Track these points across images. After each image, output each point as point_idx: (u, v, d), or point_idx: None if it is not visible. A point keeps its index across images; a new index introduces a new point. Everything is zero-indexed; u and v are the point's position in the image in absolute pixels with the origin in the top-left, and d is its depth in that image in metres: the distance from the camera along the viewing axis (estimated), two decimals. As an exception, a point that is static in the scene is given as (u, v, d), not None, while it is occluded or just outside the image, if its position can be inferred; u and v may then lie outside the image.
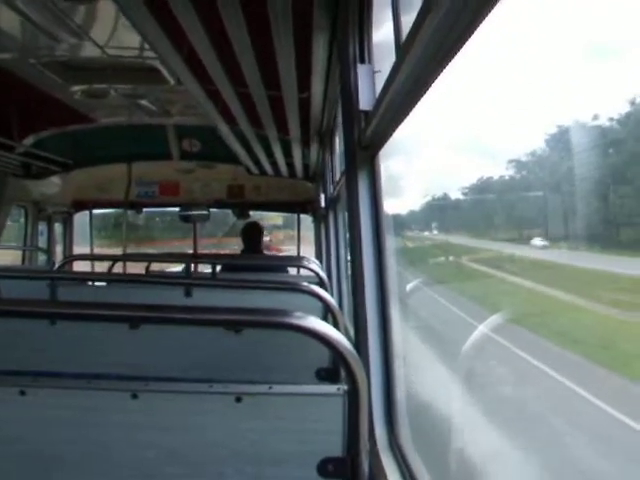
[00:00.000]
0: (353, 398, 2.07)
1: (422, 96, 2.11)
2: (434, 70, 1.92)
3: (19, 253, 8.75)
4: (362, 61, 3.14)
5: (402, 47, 2.14)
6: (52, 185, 8.76)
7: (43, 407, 2.14)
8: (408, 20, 1.96)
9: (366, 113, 2.97)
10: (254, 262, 6.72)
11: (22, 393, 2.13)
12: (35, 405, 2.14)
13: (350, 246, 3.35)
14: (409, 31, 1.94)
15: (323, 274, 4.97)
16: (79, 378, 2.22)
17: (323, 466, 2.14)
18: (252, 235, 8.12)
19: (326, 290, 4.08)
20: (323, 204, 8.25)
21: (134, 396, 2.14)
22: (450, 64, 1.76)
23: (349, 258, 6.65)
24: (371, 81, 3.03)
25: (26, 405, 2.14)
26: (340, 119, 5.27)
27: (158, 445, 2.15)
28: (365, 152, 3.04)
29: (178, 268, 7.30)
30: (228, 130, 6.59)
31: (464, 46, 1.61)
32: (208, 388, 2.17)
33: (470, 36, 1.55)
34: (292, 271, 7.46)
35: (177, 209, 10.08)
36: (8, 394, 2.13)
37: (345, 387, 2.11)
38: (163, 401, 2.17)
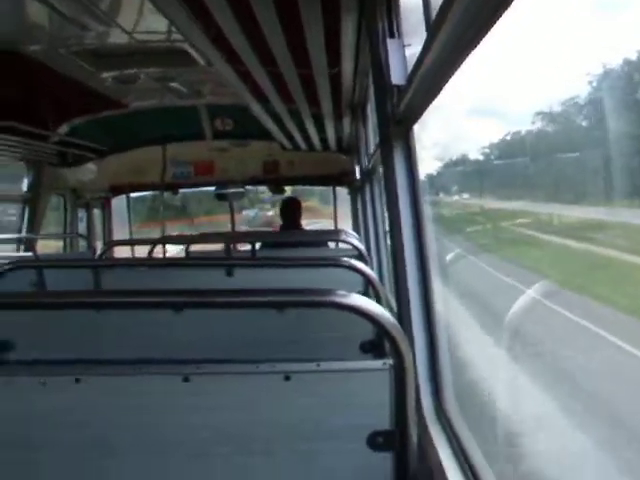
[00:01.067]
0: (399, 372, 2.09)
1: (455, 71, 2.11)
2: (466, 47, 1.92)
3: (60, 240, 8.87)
4: (392, 36, 3.13)
5: (433, 24, 2.14)
6: (88, 172, 8.84)
7: (98, 394, 2.19)
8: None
9: (398, 87, 2.96)
10: (292, 239, 6.74)
11: (77, 381, 2.18)
12: (90, 392, 2.19)
13: (389, 219, 3.36)
14: (439, 8, 1.94)
15: (362, 247, 4.98)
16: (131, 364, 2.26)
17: (373, 439, 2.17)
18: (290, 210, 8.14)
19: (366, 263, 4.09)
20: (358, 176, 8.24)
21: (185, 379, 2.18)
22: (482, 41, 1.76)
23: (387, 229, 6.67)
24: (402, 56, 3.02)
25: (81, 392, 2.19)
26: (371, 92, 5.26)
27: (210, 426, 2.19)
28: (399, 126, 3.04)
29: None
30: (260, 108, 6.59)
31: (496, 24, 1.61)
32: (256, 368, 2.20)
33: (502, 13, 1.55)
34: (331, 245, 7.49)
35: (213, 188, 10.13)
36: (64, 382, 2.18)
37: (391, 361, 2.13)
38: (213, 383, 2.21)
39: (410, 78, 2.66)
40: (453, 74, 2.13)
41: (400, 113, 2.94)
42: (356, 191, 9.19)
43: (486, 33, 1.71)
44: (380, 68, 3.15)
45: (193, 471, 2.20)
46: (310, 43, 4.29)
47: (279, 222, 8.29)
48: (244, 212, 16.76)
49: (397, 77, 2.96)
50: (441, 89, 2.33)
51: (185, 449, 2.20)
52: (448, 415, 2.84)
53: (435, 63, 2.21)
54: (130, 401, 2.20)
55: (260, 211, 18.59)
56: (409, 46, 3.05)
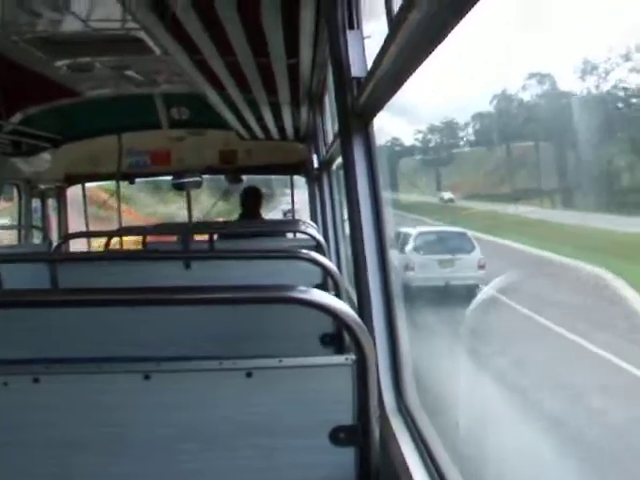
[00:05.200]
0: (361, 366, 2.09)
1: (418, 66, 2.10)
2: (429, 43, 1.91)
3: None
4: (351, 27, 3.11)
5: (395, 19, 2.12)
6: (43, 161, 8.71)
7: (56, 393, 2.16)
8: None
9: (358, 80, 2.95)
10: (250, 229, 6.71)
11: (35, 380, 2.15)
12: (49, 391, 2.16)
13: (349, 211, 3.35)
14: (401, 4, 1.92)
15: (320, 238, 4.97)
16: (90, 362, 2.23)
17: (335, 434, 2.17)
18: (251, 200, 8.10)
19: (324, 254, 4.08)
20: (316, 165, 8.23)
21: (146, 377, 2.16)
22: (445, 39, 1.75)
23: (345, 217, 6.68)
24: (361, 48, 3.01)
25: (40, 392, 2.16)
26: (330, 82, 5.24)
27: (173, 423, 2.17)
28: (359, 119, 3.03)
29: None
30: (217, 96, 6.54)
31: (460, 21, 1.60)
32: (218, 365, 2.19)
33: (465, 14, 1.54)
34: (289, 235, 7.48)
35: (169, 178, 10.05)
36: (22, 382, 2.15)
37: (353, 357, 2.13)
38: (174, 380, 2.19)
39: (371, 71, 2.65)
40: (415, 69, 2.12)
41: (360, 106, 2.93)
42: (314, 181, 9.17)
43: (451, 29, 1.70)
44: (339, 60, 3.13)
45: (156, 468, 2.18)
46: (268, 32, 4.25)
47: None
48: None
49: (357, 70, 2.95)
50: (402, 83, 2.32)
51: (148, 446, 2.18)
52: (408, 407, 2.85)
53: (397, 58, 2.20)
54: (91, 399, 2.17)
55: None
56: (369, 38, 3.03)
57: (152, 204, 32.54)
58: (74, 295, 2.21)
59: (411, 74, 2.19)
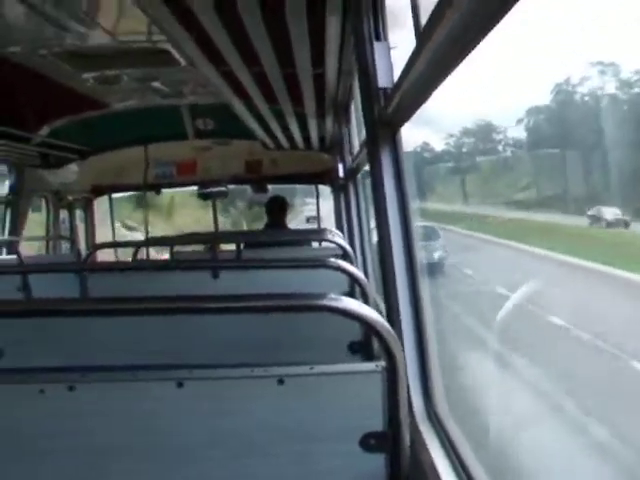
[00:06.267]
0: (391, 373, 2.10)
1: (445, 77, 2.12)
2: (455, 56, 1.93)
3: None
4: (377, 38, 3.13)
5: (422, 32, 2.14)
6: (70, 173, 8.79)
7: (91, 401, 2.19)
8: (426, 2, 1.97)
9: (385, 90, 2.97)
10: (276, 238, 6.74)
11: (71, 389, 2.18)
12: (84, 399, 2.19)
13: (377, 219, 3.36)
14: (429, 18, 1.94)
15: (347, 246, 4.99)
16: (124, 370, 2.26)
17: (365, 441, 2.19)
18: (276, 209, 8.12)
19: (351, 262, 4.10)
20: (341, 175, 8.24)
21: (179, 384, 2.18)
22: (472, 52, 1.76)
23: (372, 226, 6.68)
24: (388, 59, 3.03)
25: (75, 400, 2.19)
26: (356, 92, 5.25)
27: (205, 430, 2.20)
28: (386, 128, 3.04)
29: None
30: (242, 107, 6.57)
31: (488, 33, 1.61)
32: (250, 372, 2.21)
33: (492, 27, 1.55)
34: (315, 244, 7.50)
35: (196, 188, 10.10)
36: (57, 390, 2.18)
37: (383, 364, 2.14)
38: (207, 388, 2.22)
39: (399, 82, 2.67)
40: (443, 80, 2.14)
41: (388, 115, 2.94)
42: (339, 190, 9.18)
43: (479, 42, 1.71)
44: (366, 70, 3.15)
45: (189, 476, 2.21)
46: (294, 43, 4.28)
47: None
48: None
49: (384, 80, 2.97)
50: (430, 94, 2.34)
51: (181, 454, 2.20)
52: (438, 414, 2.86)
53: (425, 69, 2.21)
54: (124, 407, 2.20)
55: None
56: (395, 48, 3.05)
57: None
58: (105, 304, 2.24)
59: (439, 84, 2.21)
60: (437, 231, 15.41)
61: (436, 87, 2.24)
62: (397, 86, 2.70)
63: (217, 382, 2.23)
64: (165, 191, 10.70)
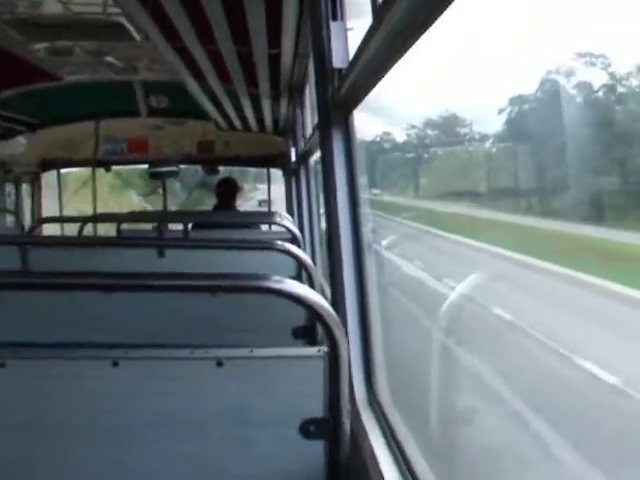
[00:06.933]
0: (333, 359, 2.08)
1: (399, 57, 2.09)
2: (412, 34, 1.89)
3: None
4: (334, 18, 3.09)
5: (379, 9, 2.10)
6: (18, 145, 8.63)
7: (24, 378, 2.13)
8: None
9: (340, 71, 2.93)
10: (225, 220, 6.68)
11: (2, 365, 2.12)
12: (15, 376, 2.13)
13: (325, 204, 3.33)
14: None
15: (296, 230, 4.96)
16: (59, 347, 2.21)
17: (305, 427, 2.17)
18: (226, 191, 8.06)
19: (299, 247, 4.07)
20: (294, 159, 8.20)
21: (115, 364, 2.14)
22: (429, 30, 1.73)
23: (322, 212, 6.66)
24: (344, 39, 2.98)
25: (6, 377, 2.12)
26: (311, 74, 5.21)
27: (141, 411, 2.15)
28: (339, 110, 3.00)
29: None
30: (196, 85, 6.50)
31: (443, 13, 1.58)
32: (189, 354, 2.17)
33: (449, 3, 1.51)
34: (265, 227, 7.47)
35: (146, 166, 9.99)
36: None
37: (325, 349, 2.12)
38: (143, 368, 2.17)
39: (353, 62, 2.63)
40: (397, 60, 2.11)
41: (341, 97, 2.90)
42: (291, 174, 9.15)
43: (434, 21, 1.68)
44: (322, 51, 3.10)
45: (123, 456, 2.16)
46: (251, 21, 4.22)
47: None
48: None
49: (339, 61, 2.92)
50: (384, 74, 2.31)
51: (115, 434, 2.16)
52: (380, 401, 2.84)
53: (380, 48, 2.18)
54: (58, 385, 2.14)
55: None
56: (352, 30, 3.01)
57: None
58: (43, 278, 2.18)
59: (393, 64, 2.17)
60: (368, 215, 16.20)
61: (390, 67, 2.20)
62: (351, 66, 2.67)
63: (153, 362, 2.19)
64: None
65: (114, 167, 10.67)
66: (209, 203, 9.27)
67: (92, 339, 2.84)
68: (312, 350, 2.20)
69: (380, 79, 2.38)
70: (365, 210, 3.15)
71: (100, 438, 2.16)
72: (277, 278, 2.03)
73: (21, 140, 8.61)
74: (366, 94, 2.64)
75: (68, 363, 2.16)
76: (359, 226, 3.09)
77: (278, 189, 10.58)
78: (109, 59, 6.40)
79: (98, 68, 6.76)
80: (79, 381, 2.14)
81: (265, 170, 10.58)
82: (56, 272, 2.15)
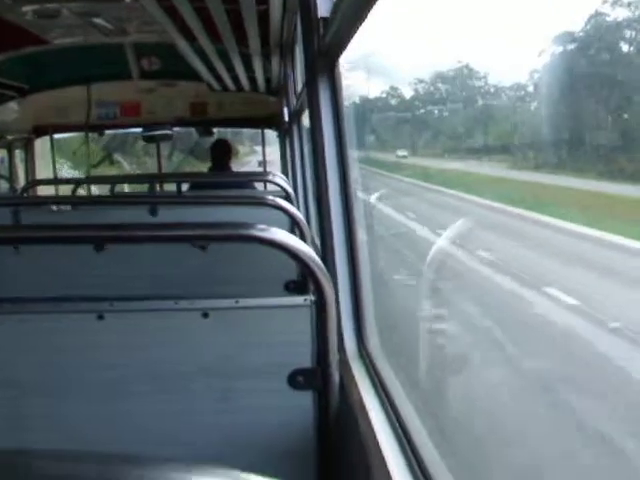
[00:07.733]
0: (321, 309, 2.07)
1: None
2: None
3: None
4: None
5: None
6: (10, 111, 8.58)
7: (8, 332, 2.13)
8: None
9: (325, 20, 2.89)
10: (219, 179, 6.66)
11: None
12: (0, 332, 2.12)
13: (313, 157, 3.30)
14: None
15: (289, 188, 4.95)
16: (44, 302, 2.20)
17: (293, 378, 2.16)
18: (220, 153, 8.02)
19: (292, 204, 4.06)
20: (286, 118, 8.16)
21: (100, 317, 2.13)
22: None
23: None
24: None
25: None
26: (300, 30, 5.16)
27: (127, 364, 2.15)
28: (325, 59, 2.96)
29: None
30: (187, 46, 6.45)
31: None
32: (174, 305, 2.16)
33: None
34: (260, 187, 7.46)
35: (140, 129, 9.95)
36: None
37: (312, 298, 2.11)
38: (128, 320, 2.16)
39: (335, 9, 2.59)
40: (375, 2, 2.07)
41: (326, 45, 2.87)
42: (285, 134, 9.11)
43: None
44: (307, 1, 3.06)
45: (109, 409, 2.16)
46: None
47: None
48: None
49: (324, 9, 2.89)
50: (364, 19, 2.27)
51: (100, 387, 2.15)
52: (369, 352, 2.83)
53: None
54: (43, 339, 2.14)
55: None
56: None
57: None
58: (33, 232, 2.18)
59: (374, 4, 2.13)
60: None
61: (369, 10, 2.17)
62: (334, 13, 2.63)
63: (139, 315, 2.18)
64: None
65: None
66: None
67: (79, 294, 2.82)
68: (299, 299, 2.19)
69: (361, 23, 2.35)
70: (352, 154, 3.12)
71: (86, 391, 2.15)
72: (264, 227, 2.03)
73: (13, 106, 8.56)
74: (349, 40, 2.60)
75: (53, 317, 2.15)
76: (347, 179, 3.06)
77: (276, 151, 10.54)
78: (98, 21, 6.34)
79: (88, 31, 6.70)
80: (64, 335, 2.13)
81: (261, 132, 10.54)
82: (44, 225, 2.15)
